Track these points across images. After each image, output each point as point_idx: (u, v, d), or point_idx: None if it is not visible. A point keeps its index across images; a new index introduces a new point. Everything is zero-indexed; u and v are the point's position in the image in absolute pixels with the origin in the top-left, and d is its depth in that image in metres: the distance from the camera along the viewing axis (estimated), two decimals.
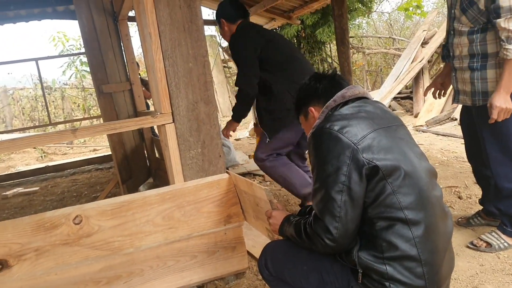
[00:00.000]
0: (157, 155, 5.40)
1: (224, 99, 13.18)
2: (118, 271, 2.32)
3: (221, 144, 2.56)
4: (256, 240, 2.96)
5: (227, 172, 2.54)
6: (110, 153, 4.83)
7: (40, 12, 7.06)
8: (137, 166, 5.13)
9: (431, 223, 1.52)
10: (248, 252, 2.80)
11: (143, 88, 5.94)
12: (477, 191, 3.60)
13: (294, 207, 3.77)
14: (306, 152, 3.59)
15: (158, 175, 5.10)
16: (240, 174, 5.20)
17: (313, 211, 1.60)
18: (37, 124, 13.30)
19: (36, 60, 7.70)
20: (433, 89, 3.04)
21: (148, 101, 6.57)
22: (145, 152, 5.50)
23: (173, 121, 2.41)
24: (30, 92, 14.74)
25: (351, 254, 1.55)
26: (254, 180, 4.88)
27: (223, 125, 10.82)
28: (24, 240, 2.12)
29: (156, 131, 4.68)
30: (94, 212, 2.22)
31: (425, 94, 3.15)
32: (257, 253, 2.78)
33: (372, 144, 1.52)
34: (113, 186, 5.14)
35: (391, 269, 1.47)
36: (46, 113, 8.70)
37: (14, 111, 14.37)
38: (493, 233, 2.70)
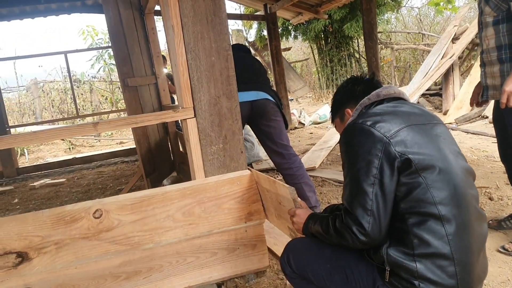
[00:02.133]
0: (181, 149, 5.40)
1: None
2: (138, 266, 2.30)
3: (242, 140, 2.52)
4: (278, 238, 2.92)
5: (249, 169, 2.50)
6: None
7: (69, 5, 7.17)
8: (161, 159, 5.14)
9: (466, 221, 1.46)
10: (269, 250, 2.76)
11: (169, 82, 5.95)
12: (509, 193, 3.47)
13: None
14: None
15: (182, 169, 5.10)
16: (263, 169, 5.17)
17: (343, 206, 1.56)
18: (65, 116, 13.53)
19: (65, 53, 7.81)
20: (474, 98, 2.93)
21: (174, 95, 6.59)
22: (169, 145, 5.51)
23: (195, 115, 2.38)
24: (59, 85, 14.99)
25: (379, 250, 1.50)
26: (277, 177, 4.83)
27: None
28: (44, 233, 2.12)
29: (181, 125, 4.69)
30: (114, 207, 2.21)
31: (471, 105, 3.01)
32: (278, 251, 2.74)
33: (406, 139, 1.48)
34: (138, 179, 5.17)
35: (422, 267, 1.41)
36: (75, 105, 8.82)
37: (44, 103, 14.64)
38: None
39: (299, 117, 9.13)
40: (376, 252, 1.51)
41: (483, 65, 2.64)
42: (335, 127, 1.96)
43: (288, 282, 2.41)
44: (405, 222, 1.45)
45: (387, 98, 1.70)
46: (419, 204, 1.43)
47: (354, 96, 1.80)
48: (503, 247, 2.61)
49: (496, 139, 2.89)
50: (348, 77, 1.96)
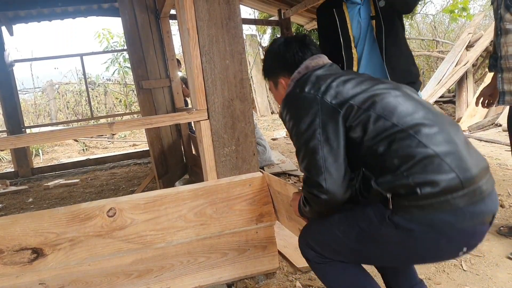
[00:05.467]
0: (193, 152, 5.45)
1: (263, 98, 13.18)
2: (150, 265, 2.34)
3: (255, 142, 2.55)
4: (288, 240, 2.93)
5: (260, 171, 2.53)
6: (148, 148, 4.92)
7: (86, 9, 7.27)
8: (174, 161, 5.19)
9: (430, 120, 1.47)
10: (279, 252, 2.77)
11: (183, 86, 6.01)
12: None
13: None
14: None
15: (194, 172, 5.14)
16: (275, 173, 5.19)
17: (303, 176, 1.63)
18: (80, 118, 13.69)
19: (80, 55, 7.92)
20: (482, 98, 2.94)
21: (187, 99, 6.64)
22: (182, 148, 5.56)
23: (208, 117, 2.42)
24: (74, 87, 15.18)
25: (370, 188, 1.49)
26: (288, 180, 4.85)
27: (259, 124, 10.70)
28: (59, 230, 2.17)
29: (194, 127, 4.73)
30: (128, 206, 2.25)
31: (476, 104, 3.03)
32: (288, 253, 2.76)
33: (338, 90, 1.57)
34: (150, 180, 5.21)
35: (414, 177, 1.39)
36: (89, 107, 8.93)
37: (59, 105, 14.83)
38: None
39: None
40: (368, 191, 1.51)
41: (500, 71, 2.64)
42: (269, 87, 2.01)
43: (297, 284, 2.43)
44: (377, 152, 1.47)
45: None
46: (380, 133, 1.47)
47: (286, 65, 1.83)
48: None
49: (510, 147, 2.88)
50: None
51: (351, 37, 3.01)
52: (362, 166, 1.54)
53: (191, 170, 5.40)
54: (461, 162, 1.40)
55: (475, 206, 1.38)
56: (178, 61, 6.12)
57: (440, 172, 1.37)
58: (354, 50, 3.03)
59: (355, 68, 2.98)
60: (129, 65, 12.40)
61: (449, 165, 1.38)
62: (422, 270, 2.44)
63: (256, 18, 12.96)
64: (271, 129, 10.17)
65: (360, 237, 1.56)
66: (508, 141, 2.99)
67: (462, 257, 1.39)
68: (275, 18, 8.62)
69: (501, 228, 2.93)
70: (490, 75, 2.97)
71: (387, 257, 1.59)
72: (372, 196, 1.51)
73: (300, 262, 2.62)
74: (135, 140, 11.45)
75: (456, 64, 8.02)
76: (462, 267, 2.46)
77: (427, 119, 1.48)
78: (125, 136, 12.16)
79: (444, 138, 1.44)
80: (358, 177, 1.56)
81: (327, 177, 1.51)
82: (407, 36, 14.22)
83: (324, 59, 1.80)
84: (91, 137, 11.24)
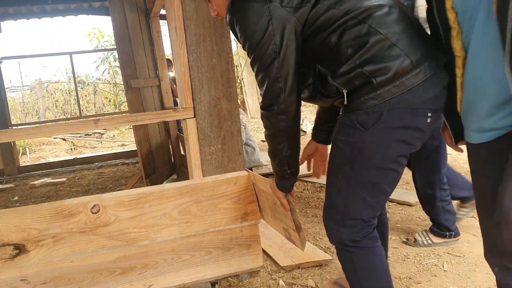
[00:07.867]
0: (182, 152, 5.45)
1: (253, 100, 13.19)
2: (133, 262, 2.33)
3: (241, 141, 2.56)
4: (273, 240, 2.95)
5: (246, 170, 2.54)
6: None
7: (76, 7, 7.26)
8: (162, 161, 5.18)
9: (372, 7, 1.43)
10: (264, 251, 2.78)
11: (174, 86, 6.01)
12: None
13: (314, 210, 3.74)
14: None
15: (182, 172, 5.14)
16: (263, 174, 5.20)
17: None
18: (68, 117, 13.63)
19: (70, 54, 7.89)
20: None
21: (177, 99, 6.64)
22: (171, 148, 5.56)
23: (195, 115, 2.43)
24: (64, 86, 15.11)
25: (328, 85, 1.47)
26: None
27: (249, 125, 10.69)
28: (42, 226, 2.16)
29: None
30: (112, 202, 2.25)
31: None
32: (273, 252, 2.77)
33: None
34: (137, 180, 5.20)
35: (367, 66, 1.39)
36: (78, 106, 8.90)
37: (47, 104, 14.74)
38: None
39: (301, 124, 9.18)
40: (325, 87, 1.49)
41: None
42: None
43: (280, 282, 2.44)
44: (330, 44, 1.44)
45: None
46: (331, 23, 1.43)
47: None
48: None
49: None
50: None
51: (451, 16, 1.44)
52: (317, 63, 1.50)
53: (179, 170, 5.39)
54: (412, 41, 1.41)
55: (430, 80, 1.40)
56: (169, 61, 6.13)
57: (391, 56, 1.38)
58: (455, 39, 1.43)
59: (459, 70, 1.45)
60: (119, 64, 12.38)
61: (400, 48, 1.39)
62: (403, 270, 2.47)
63: None
64: (261, 131, 10.18)
65: (357, 165, 1.51)
66: None
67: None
68: None
69: None
70: None
71: (386, 161, 1.50)
72: (329, 95, 1.49)
73: (284, 261, 2.64)
74: (123, 140, 11.42)
75: None
76: (443, 267, 2.49)
77: (379, 0, 1.45)
78: (113, 136, 12.13)
79: (395, 17, 1.43)
80: (314, 75, 1.52)
81: (282, 85, 1.47)
82: None
83: None
84: (80, 136, 11.19)
